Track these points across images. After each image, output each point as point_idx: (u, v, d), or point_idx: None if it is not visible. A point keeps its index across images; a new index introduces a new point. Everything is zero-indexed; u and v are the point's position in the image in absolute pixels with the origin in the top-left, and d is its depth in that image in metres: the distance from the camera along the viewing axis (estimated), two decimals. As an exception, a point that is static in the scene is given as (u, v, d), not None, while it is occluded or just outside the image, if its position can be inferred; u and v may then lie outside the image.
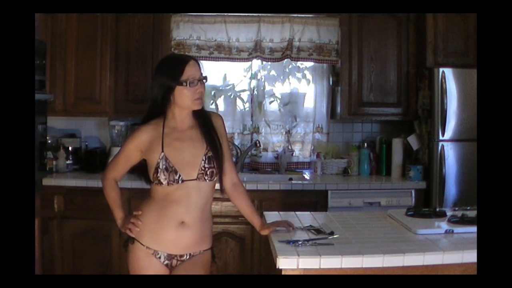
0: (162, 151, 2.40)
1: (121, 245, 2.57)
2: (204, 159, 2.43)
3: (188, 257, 2.46)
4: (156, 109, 2.45)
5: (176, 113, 2.45)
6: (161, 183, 2.39)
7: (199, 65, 2.45)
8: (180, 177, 2.39)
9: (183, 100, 2.40)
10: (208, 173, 2.43)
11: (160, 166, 2.38)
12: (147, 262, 2.44)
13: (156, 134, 2.43)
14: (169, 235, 2.42)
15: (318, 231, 2.41)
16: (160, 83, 2.41)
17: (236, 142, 4.59)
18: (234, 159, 4.29)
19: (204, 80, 2.44)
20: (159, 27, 4.28)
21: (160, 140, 2.42)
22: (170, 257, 2.45)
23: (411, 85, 4.35)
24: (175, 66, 2.40)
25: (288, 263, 2.06)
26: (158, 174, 2.39)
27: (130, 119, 4.36)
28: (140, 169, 2.53)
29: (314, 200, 3.98)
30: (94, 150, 4.44)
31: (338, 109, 4.46)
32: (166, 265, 2.45)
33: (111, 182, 2.55)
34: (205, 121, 2.50)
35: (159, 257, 2.44)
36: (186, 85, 2.37)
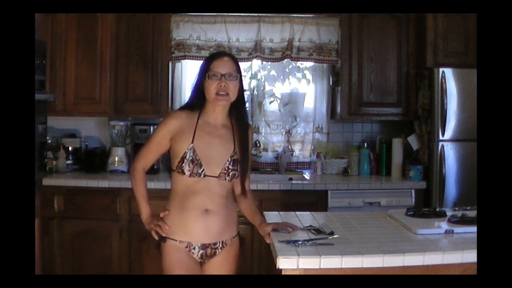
0: (192, 142, 2.41)
1: (154, 247, 2.54)
2: (229, 160, 2.45)
3: (221, 245, 2.48)
4: (193, 101, 2.49)
5: (210, 108, 2.47)
6: (184, 173, 2.40)
7: (235, 62, 2.47)
8: (203, 172, 2.40)
9: (207, 93, 2.43)
10: (230, 174, 2.45)
11: (187, 157, 2.40)
12: (180, 256, 2.43)
13: (188, 122, 2.45)
14: (197, 224, 2.43)
15: (318, 231, 2.41)
16: (196, 76, 2.49)
17: (236, 142, 4.58)
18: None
19: (231, 77, 2.41)
20: (159, 27, 4.28)
21: (192, 130, 2.43)
22: (204, 246, 2.45)
23: (411, 85, 4.35)
24: (207, 61, 2.48)
25: (288, 263, 2.06)
26: (183, 164, 2.40)
27: (130, 119, 4.36)
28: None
29: (314, 200, 3.98)
30: (94, 150, 4.44)
31: (338, 109, 4.46)
32: (201, 255, 2.45)
33: (141, 174, 2.53)
34: (241, 126, 2.51)
35: (194, 248, 2.44)
36: (206, 78, 2.41)
